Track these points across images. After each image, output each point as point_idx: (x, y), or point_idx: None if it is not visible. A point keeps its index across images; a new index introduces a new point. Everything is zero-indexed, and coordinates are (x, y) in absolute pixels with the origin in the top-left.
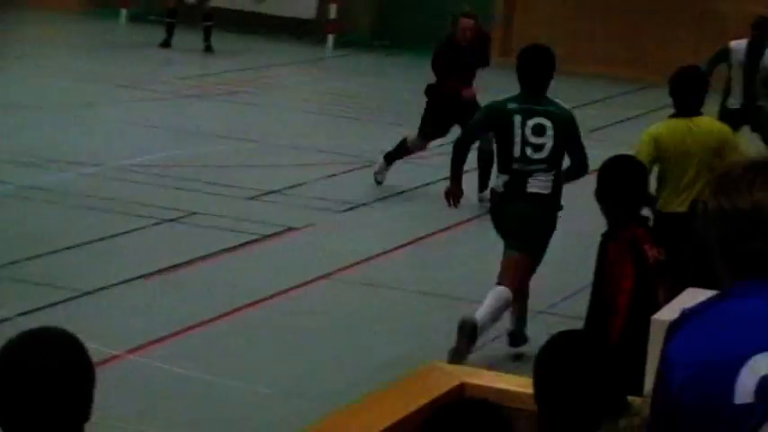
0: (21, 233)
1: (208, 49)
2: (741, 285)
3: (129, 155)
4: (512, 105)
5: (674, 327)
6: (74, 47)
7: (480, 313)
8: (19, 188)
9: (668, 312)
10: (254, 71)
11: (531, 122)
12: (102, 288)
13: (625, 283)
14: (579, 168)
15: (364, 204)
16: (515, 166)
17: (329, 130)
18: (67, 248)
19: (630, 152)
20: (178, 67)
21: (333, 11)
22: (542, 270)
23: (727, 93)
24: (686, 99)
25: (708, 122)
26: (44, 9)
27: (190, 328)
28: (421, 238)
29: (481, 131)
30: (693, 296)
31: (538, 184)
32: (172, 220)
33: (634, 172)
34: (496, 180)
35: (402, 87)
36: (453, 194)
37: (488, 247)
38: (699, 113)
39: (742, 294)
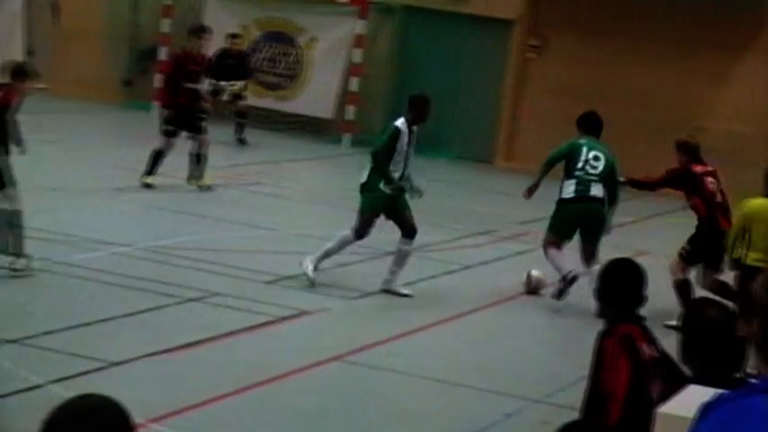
0: (55, 306)
1: (241, 141)
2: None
3: (156, 237)
4: None
5: (708, 408)
6: (109, 136)
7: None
8: (54, 264)
9: (674, 406)
10: (276, 164)
11: None
12: (128, 360)
13: (621, 376)
14: None
15: (375, 292)
16: None
17: (342, 221)
18: (97, 322)
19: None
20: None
21: (350, 112)
22: (539, 361)
23: None
24: None
25: None
26: (85, 100)
27: (208, 401)
28: (429, 326)
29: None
30: (696, 393)
31: None
32: (194, 300)
33: (633, 275)
34: None
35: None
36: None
37: (493, 335)
38: None
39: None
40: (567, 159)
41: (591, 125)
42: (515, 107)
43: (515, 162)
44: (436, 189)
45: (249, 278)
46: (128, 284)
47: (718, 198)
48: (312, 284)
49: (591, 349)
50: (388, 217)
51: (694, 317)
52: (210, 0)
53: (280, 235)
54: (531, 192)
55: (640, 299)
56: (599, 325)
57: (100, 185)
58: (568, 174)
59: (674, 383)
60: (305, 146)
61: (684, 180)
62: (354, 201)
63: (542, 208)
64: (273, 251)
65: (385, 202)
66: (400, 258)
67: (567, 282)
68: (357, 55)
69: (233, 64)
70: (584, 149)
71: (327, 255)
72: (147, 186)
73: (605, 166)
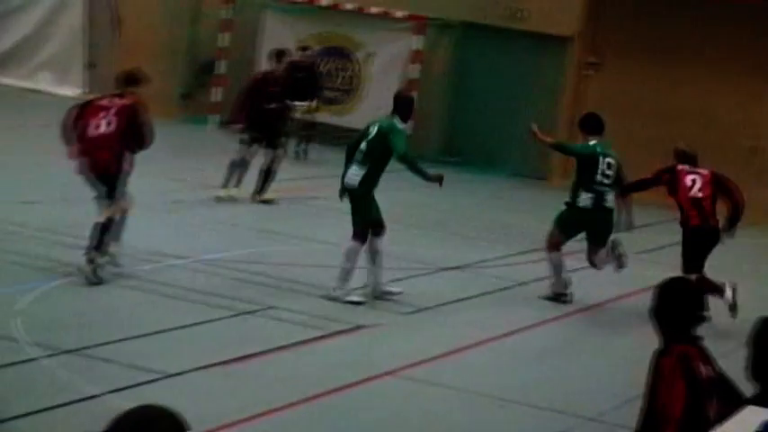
0: (113, 317)
1: (300, 154)
2: None
3: (213, 250)
4: None
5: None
6: (166, 149)
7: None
8: (112, 275)
9: (731, 427)
10: (334, 179)
11: None
12: (184, 372)
13: (677, 396)
14: None
15: (430, 308)
16: None
17: (398, 237)
18: (154, 333)
19: None
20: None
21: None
22: (594, 378)
23: None
24: None
25: None
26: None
27: (262, 414)
28: (485, 342)
29: None
30: (754, 413)
31: None
32: (249, 313)
33: (690, 295)
34: None
35: (466, 201)
36: None
37: (548, 352)
38: None
39: None
40: (584, 166)
41: (596, 125)
42: (572, 125)
43: (571, 180)
44: (492, 205)
45: (304, 292)
46: (184, 297)
47: (697, 194)
48: (363, 302)
49: (647, 368)
50: None
51: (764, 333)
52: (269, 15)
53: (334, 249)
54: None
55: (698, 318)
56: (655, 344)
57: (158, 198)
58: (586, 185)
59: (732, 404)
60: None
61: (667, 175)
62: (408, 215)
63: None
64: (328, 265)
65: (375, 203)
66: (378, 258)
67: (561, 299)
68: (414, 71)
69: (303, 78)
70: (600, 158)
71: (347, 273)
72: (225, 199)
73: (616, 170)
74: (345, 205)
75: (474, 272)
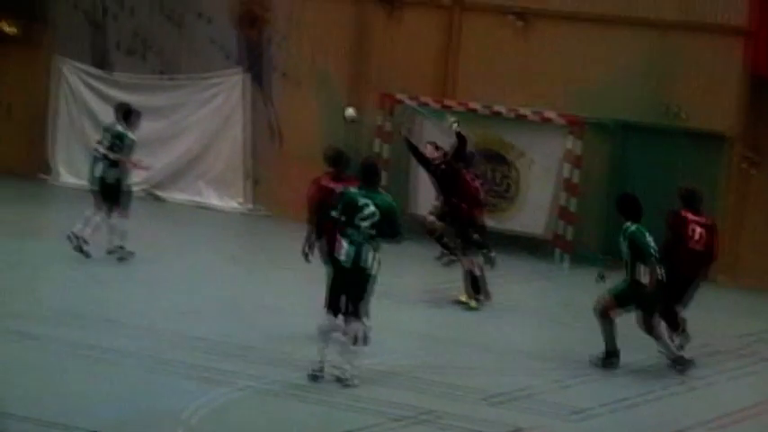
0: (273, 425)
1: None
2: None
3: (376, 356)
4: None
5: None
6: None
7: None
8: (273, 382)
9: None
10: (491, 283)
11: None
12: None
13: None
14: None
15: (591, 411)
16: None
17: (556, 337)
18: None
19: None
20: (430, 276)
21: (567, 231)
22: None
23: None
24: None
25: None
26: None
27: None
28: None
29: None
30: None
31: None
32: (411, 418)
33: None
34: None
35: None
36: None
37: None
38: None
39: None
40: (646, 246)
41: (638, 210)
42: (735, 223)
43: (737, 279)
44: None
45: (463, 396)
46: (346, 404)
47: (697, 246)
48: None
49: None
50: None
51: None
52: (425, 122)
53: (491, 352)
54: None
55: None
56: None
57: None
58: (646, 260)
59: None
60: (520, 264)
61: (673, 222)
62: (571, 315)
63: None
64: (486, 368)
65: None
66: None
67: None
68: (572, 173)
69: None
70: (647, 234)
71: (350, 356)
72: (466, 305)
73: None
74: (496, 307)
75: (638, 373)
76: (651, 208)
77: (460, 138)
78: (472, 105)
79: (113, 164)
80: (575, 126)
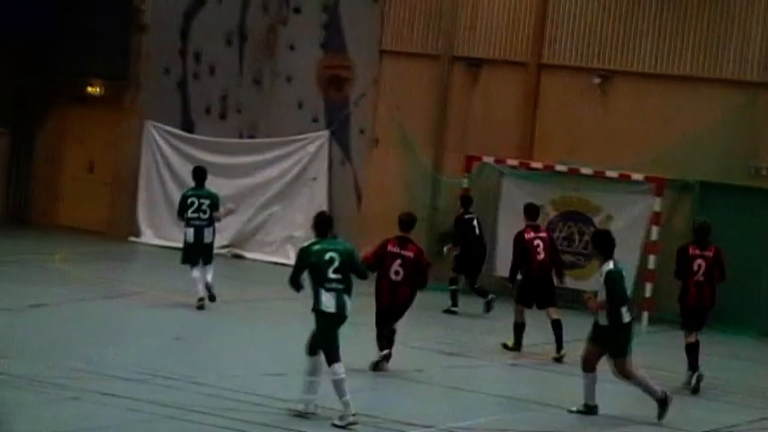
0: None
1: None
2: None
3: (455, 418)
4: None
5: None
6: (412, 316)
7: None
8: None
9: None
10: (567, 344)
11: None
12: None
13: None
14: None
15: None
16: None
17: (641, 401)
18: None
19: None
20: (498, 336)
21: (648, 290)
22: None
23: None
24: None
25: None
26: None
27: None
28: None
29: None
30: None
31: None
32: None
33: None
34: None
35: (714, 363)
36: None
37: None
38: None
39: None
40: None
41: (611, 246)
42: None
43: None
44: (740, 367)
45: None
46: None
47: (699, 278)
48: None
49: None
50: None
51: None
52: (507, 181)
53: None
54: None
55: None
56: None
57: (401, 366)
58: (623, 302)
59: None
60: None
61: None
62: (657, 378)
63: None
64: (567, 430)
65: None
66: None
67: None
68: (653, 232)
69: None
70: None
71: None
72: (510, 349)
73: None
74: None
75: None
76: (733, 266)
77: None
78: (557, 167)
79: (211, 223)
80: (657, 186)
